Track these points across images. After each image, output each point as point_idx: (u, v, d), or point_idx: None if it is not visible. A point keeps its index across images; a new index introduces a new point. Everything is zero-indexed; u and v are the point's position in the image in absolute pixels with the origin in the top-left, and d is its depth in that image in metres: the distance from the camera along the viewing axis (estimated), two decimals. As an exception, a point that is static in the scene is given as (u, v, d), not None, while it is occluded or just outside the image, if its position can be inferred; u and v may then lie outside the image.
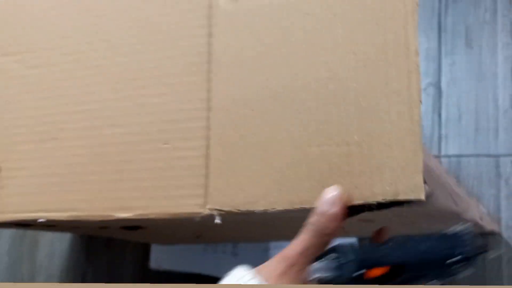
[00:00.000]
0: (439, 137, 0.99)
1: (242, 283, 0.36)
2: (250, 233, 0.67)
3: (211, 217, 0.38)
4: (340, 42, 0.37)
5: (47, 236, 1.15)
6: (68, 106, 0.42)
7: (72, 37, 0.44)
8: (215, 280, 0.89)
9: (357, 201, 0.35)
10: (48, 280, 1.14)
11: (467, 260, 0.37)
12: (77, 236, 1.13)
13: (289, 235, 0.70)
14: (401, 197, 0.34)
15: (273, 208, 0.38)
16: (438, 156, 0.98)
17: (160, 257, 0.99)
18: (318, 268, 0.36)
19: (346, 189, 0.34)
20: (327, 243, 0.37)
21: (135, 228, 0.55)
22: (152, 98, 0.41)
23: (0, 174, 0.41)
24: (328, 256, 0.36)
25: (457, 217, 0.48)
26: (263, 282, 0.35)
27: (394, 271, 0.36)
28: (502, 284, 0.90)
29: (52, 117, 0.42)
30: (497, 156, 0.95)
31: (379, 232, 0.40)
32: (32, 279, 1.16)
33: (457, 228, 0.37)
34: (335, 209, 0.35)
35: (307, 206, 0.37)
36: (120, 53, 0.42)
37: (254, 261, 0.86)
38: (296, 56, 0.37)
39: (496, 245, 0.91)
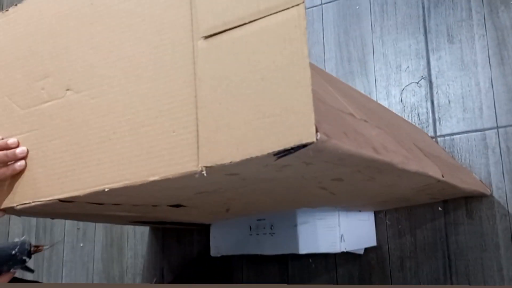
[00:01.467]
0: (434, 121, 1.18)
1: None
2: (267, 204, 0.88)
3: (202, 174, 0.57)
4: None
5: (130, 241, 1.43)
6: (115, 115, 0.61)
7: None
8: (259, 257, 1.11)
9: (276, 148, 0.49)
10: (134, 279, 1.41)
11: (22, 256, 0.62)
12: (154, 238, 1.40)
13: (305, 202, 0.89)
14: (301, 142, 0.48)
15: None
16: (434, 137, 1.17)
17: (218, 245, 1.23)
18: None
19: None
20: None
21: (177, 206, 0.79)
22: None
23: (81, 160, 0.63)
24: None
25: (392, 167, 0.67)
26: None
27: None
28: (498, 237, 1.07)
29: (108, 123, 0.61)
30: (483, 130, 1.13)
31: None
32: (122, 279, 1.43)
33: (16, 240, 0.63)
34: None
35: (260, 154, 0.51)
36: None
37: (287, 238, 1.09)
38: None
39: (489, 205, 1.09)
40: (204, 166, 0.54)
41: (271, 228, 1.13)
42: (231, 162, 0.53)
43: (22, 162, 0.67)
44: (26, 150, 0.67)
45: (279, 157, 0.52)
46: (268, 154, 0.51)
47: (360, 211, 1.12)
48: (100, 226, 1.48)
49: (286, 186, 0.73)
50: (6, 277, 0.65)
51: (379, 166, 0.65)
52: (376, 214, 1.16)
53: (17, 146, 0.67)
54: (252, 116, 0.52)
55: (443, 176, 0.83)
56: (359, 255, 1.16)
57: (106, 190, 0.60)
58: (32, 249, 0.64)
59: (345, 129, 0.59)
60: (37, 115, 0.68)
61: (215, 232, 1.24)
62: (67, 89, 0.66)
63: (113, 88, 0.62)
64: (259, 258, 1.22)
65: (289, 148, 0.50)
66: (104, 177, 0.61)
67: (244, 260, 1.29)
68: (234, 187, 0.68)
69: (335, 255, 1.18)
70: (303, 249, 1.07)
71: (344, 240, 1.07)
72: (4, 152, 0.66)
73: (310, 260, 1.22)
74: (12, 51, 0.72)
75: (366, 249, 1.16)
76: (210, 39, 0.57)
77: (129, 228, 1.44)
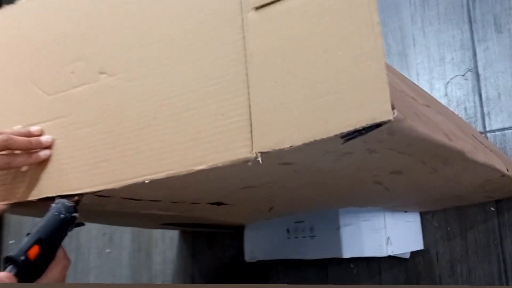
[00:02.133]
0: (482, 115, 1.11)
1: None
2: (312, 202, 0.82)
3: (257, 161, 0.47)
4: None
5: (158, 247, 1.37)
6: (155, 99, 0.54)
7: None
8: (296, 262, 1.04)
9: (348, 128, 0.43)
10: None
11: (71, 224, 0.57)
12: (184, 242, 1.34)
13: (354, 200, 0.82)
14: (374, 120, 0.42)
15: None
16: (483, 132, 1.09)
17: (253, 250, 1.16)
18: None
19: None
20: None
21: (218, 204, 0.72)
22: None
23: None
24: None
25: (462, 156, 0.60)
26: None
27: (43, 248, 0.54)
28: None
29: (147, 108, 0.55)
30: (537, 124, 1.05)
31: None
32: (151, 286, 1.37)
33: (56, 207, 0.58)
34: None
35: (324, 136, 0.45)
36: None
37: (329, 241, 1.01)
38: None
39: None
40: (259, 152, 0.48)
41: (311, 231, 1.06)
42: (291, 146, 0.46)
43: (46, 152, 0.61)
44: (51, 139, 0.61)
45: (346, 140, 0.45)
46: (335, 136, 0.44)
47: (406, 211, 1.04)
48: (127, 231, 1.42)
49: (339, 180, 0.66)
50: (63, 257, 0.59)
51: (448, 154, 0.58)
52: (422, 215, 1.08)
53: (41, 134, 0.62)
54: (313, 94, 0.46)
55: (507, 170, 0.75)
56: (405, 259, 1.08)
57: (147, 182, 0.54)
58: (73, 202, 0.59)
59: (415, 110, 0.52)
60: (65, 101, 0.62)
61: (250, 236, 1.17)
62: (101, 73, 0.60)
63: (152, 70, 0.56)
64: (296, 262, 1.15)
65: (360, 128, 0.44)
66: (143, 167, 0.55)
67: (280, 265, 1.22)
68: (283, 180, 0.61)
69: (379, 259, 1.10)
70: (347, 253, 1.00)
71: (391, 243, 0.99)
72: (28, 139, 0.60)
73: (352, 265, 1.15)
74: (39, 36, 0.66)
75: (412, 253, 1.08)
76: (261, 10, 0.50)
77: (158, 233, 1.37)
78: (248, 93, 0.49)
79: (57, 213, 0.57)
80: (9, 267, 0.55)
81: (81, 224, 0.63)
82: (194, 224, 1.12)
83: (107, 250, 1.43)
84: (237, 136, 0.50)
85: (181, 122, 0.53)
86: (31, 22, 0.68)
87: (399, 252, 1.02)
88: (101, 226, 1.46)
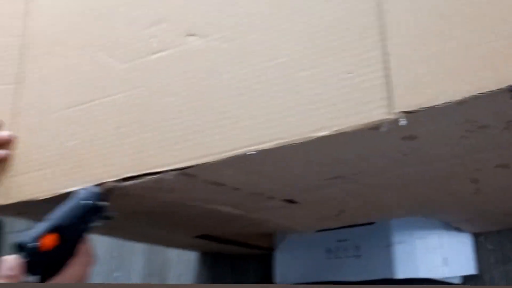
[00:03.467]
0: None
1: None
2: (386, 206, 0.74)
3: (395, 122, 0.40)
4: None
5: (174, 270, 1.26)
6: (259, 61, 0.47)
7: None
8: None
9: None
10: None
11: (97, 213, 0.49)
12: (203, 265, 1.23)
13: (431, 204, 0.73)
14: None
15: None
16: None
17: (284, 272, 1.07)
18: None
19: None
20: None
21: (290, 201, 0.65)
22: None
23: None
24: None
25: None
26: None
27: (60, 237, 0.48)
28: None
29: (248, 71, 0.47)
30: None
31: None
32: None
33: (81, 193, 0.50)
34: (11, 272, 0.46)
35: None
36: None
37: (378, 260, 0.93)
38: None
39: None
40: (402, 112, 0.41)
41: (356, 250, 0.98)
42: (450, 101, 0.39)
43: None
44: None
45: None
46: (506, 87, 0.37)
47: (460, 231, 0.97)
48: (138, 253, 1.31)
49: (439, 172, 0.59)
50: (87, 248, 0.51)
51: None
52: (475, 236, 1.01)
53: None
54: (476, 39, 0.39)
55: None
56: (455, 284, 1.00)
57: (248, 154, 0.46)
58: (104, 190, 0.50)
59: None
60: (142, 70, 0.54)
61: (281, 257, 1.08)
62: (188, 35, 0.52)
63: (255, 28, 0.49)
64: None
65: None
66: (243, 138, 0.47)
67: (316, 290, 1.12)
68: (383, 168, 0.54)
69: (425, 282, 1.01)
70: (400, 273, 0.91)
71: (447, 264, 0.91)
72: None
73: (393, 291, 1.06)
74: (108, -1, 0.59)
75: (464, 278, 1.00)
76: None
77: (173, 255, 1.27)
78: (384, 46, 0.42)
79: (81, 200, 0.49)
80: (21, 254, 0.47)
81: (110, 218, 0.54)
82: (227, 241, 1.02)
83: (115, 274, 1.32)
84: (371, 96, 0.42)
85: (294, 84, 0.46)
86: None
87: (454, 275, 0.94)
88: (109, 247, 1.34)
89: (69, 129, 0.57)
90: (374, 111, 0.42)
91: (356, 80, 0.43)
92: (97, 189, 0.51)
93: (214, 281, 1.21)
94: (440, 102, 0.39)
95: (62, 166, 0.56)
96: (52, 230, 0.48)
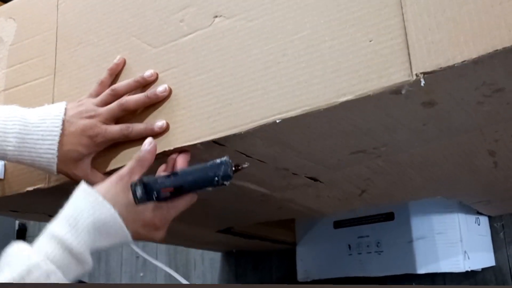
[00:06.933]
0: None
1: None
2: (408, 187, 0.75)
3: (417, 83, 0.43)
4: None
5: (198, 269, 1.28)
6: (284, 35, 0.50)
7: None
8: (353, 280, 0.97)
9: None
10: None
11: (223, 180, 0.52)
12: (226, 264, 1.25)
13: (451, 183, 0.74)
14: None
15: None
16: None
17: (307, 269, 1.09)
18: (136, 180, 0.52)
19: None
20: (144, 166, 0.54)
21: (314, 180, 0.67)
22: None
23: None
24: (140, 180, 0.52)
25: None
26: (100, 193, 0.51)
27: (177, 190, 0.53)
28: None
29: (274, 45, 0.51)
30: None
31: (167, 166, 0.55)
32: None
33: (216, 160, 0.52)
34: (149, 148, 0.53)
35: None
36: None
37: (399, 256, 0.94)
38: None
39: None
40: (421, 73, 0.43)
41: (377, 246, 1.00)
42: (464, 61, 0.41)
43: (163, 123, 0.56)
44: (168, 87, 0.57)
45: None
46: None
47: (478, 223, 0.98)
48: (162, 253, 1.33)
49: (452, 152, 0.61)
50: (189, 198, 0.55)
51: None
52: (492, 229, 1.02)
53: (156, 78, 0.58)
54: (490, 1, 0.42)
55: None
56: (473, 274, 1.01)
57: (278, 121, 0.49)
58: (233, 170, 0.52)
59: None
60: (174, 51, 0.58)
61: (303, 253, 1.10)
62: (215, 16, 0.56)
63: (278, 5, 0.52)
64: (352, 281, 1.06)
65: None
66: (273, 106, 0.50)
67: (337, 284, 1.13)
68: (402, 141, 0.57)
69: (444, 275, 1.02)
70: (422, 268, 0.93)
71: (468, 258, 0.92)
72: (144, 95, 0.57)
73: (414, 283, 1.07)
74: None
75: (483, 270, 1.01)
76: None
77: (196, 254, 1.29)
78: (403, 14, 0.45)
79: (213, 170, 0.52)
80: (139, 189, 0.52)
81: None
82: (250, 236, 1.05)
83: (141, 274, 1.34)
84: (392, 61, 0.45)
85: (317, 55, 0.49)
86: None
87: (475, 268, 0.95)
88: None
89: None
90: (394, 75, 0.45)
91: (377, 47, 0.46)
92: (230, 170, 0.52)
93: (237, 279, 1.23)
94: (457, 61, 0.42)
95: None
96: (175, 186, 0.53)
